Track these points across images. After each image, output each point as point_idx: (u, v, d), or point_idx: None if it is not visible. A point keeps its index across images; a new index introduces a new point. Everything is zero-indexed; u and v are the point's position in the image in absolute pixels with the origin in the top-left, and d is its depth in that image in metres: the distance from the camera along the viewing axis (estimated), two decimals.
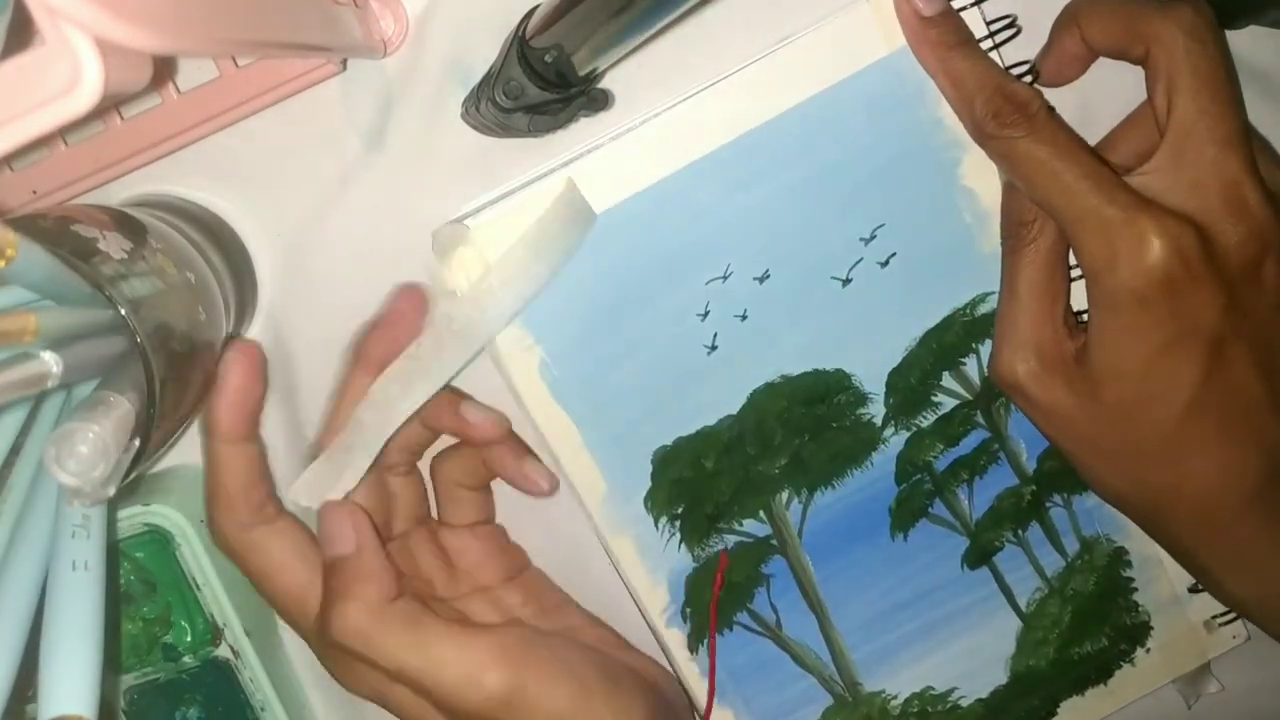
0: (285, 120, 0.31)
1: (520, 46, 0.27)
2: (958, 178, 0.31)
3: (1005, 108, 0.27)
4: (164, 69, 0.29)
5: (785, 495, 0.34)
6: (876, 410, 0.33)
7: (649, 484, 0.33)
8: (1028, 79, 0.30)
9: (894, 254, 0.32)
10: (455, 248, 0.30)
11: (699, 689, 0.34)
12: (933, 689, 0.35)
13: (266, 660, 0.33)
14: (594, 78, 0.28)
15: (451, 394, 0.31)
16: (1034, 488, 0.34)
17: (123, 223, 0.26)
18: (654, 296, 0.32)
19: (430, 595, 0.32)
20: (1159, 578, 0.35)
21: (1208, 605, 0.35)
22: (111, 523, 0.31)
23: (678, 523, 0.34)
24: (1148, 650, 0.35)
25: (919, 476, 0.34)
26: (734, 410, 0.33)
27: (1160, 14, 0.27)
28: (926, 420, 0.33)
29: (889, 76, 0.30)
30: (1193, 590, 0.35)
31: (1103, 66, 0.30)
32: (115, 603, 0.33)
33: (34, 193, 0.29)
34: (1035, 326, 0.29)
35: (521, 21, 0.27)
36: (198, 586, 0.32)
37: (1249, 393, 0.28)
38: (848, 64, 0.30)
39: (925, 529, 0.34)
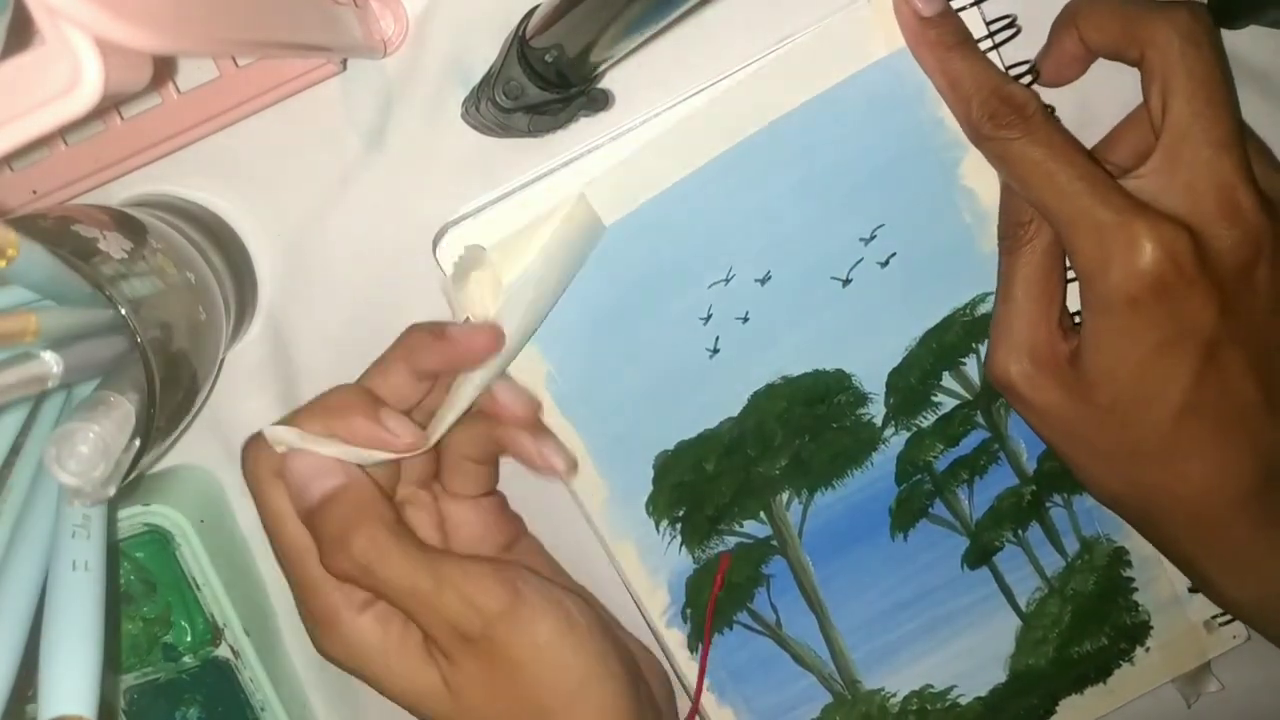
0: (285, 120, 0.31)
1: (520, 46, 0.27)
2: (958, 178, 0.31)
3: (1002, 109, 0.27)
4: (164, 69, 0.29)
5: (785, 496, 0.34)
6: (876, 410, 0.33)
7: (650, 488, 0.33)
8: (1028, 79, 0.30)
9: (894, 254, 0.32)
10: (471, 271, 0.30)
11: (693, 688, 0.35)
12: (932, 687, 0.35)
13: (266, 660, 0.33)
14: (594, 78, 0.28)
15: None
16: (1034, 488, 0.34)
17: (123, 223, 0.26)
18: (658, 303, 0.32)
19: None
20: (1159, 577, 0.35)
21: (1208, 605, 0.35)
22: (112, 523, 0.31)
23: (679, 525, 0.34)
24: (1147, 650, 0.35)
25: (919, 477, 0.34)
26: (734, 412, 0.33)
27: (1156, 16, 0.27)
28: (927, 420, 0.33)
29: (889, 77, 0.30)
30: (1193, 590, 0.35)
31: (1102, 67, 0.30)
32: (115, 603, 0.33)
33: (34, 193, 0.29)
34: (1030, 327, 0.29)
35: (521, 21, 0.27)
36: (198, 586, 0.32)
37: (1242, 396, 0.28)
38: (847, 64, 0.30)
39: (925, 529, 0.34)
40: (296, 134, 0.31)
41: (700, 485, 0.33)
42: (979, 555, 0.35)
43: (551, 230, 0.30)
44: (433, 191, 0.32)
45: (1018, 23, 0.30)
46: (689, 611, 0.34)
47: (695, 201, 0.31)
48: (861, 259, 0.32)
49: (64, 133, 0.29)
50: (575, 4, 0.24)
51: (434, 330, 0.28)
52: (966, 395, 0.33)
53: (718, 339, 0.32)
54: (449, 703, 0.27)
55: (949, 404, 0.33)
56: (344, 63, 0.30)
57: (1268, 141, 0.31)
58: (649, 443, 0.33)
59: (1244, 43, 0.31)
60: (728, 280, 0.32)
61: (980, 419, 0.34)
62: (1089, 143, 0.31)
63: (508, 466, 0.34)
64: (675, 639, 0.34)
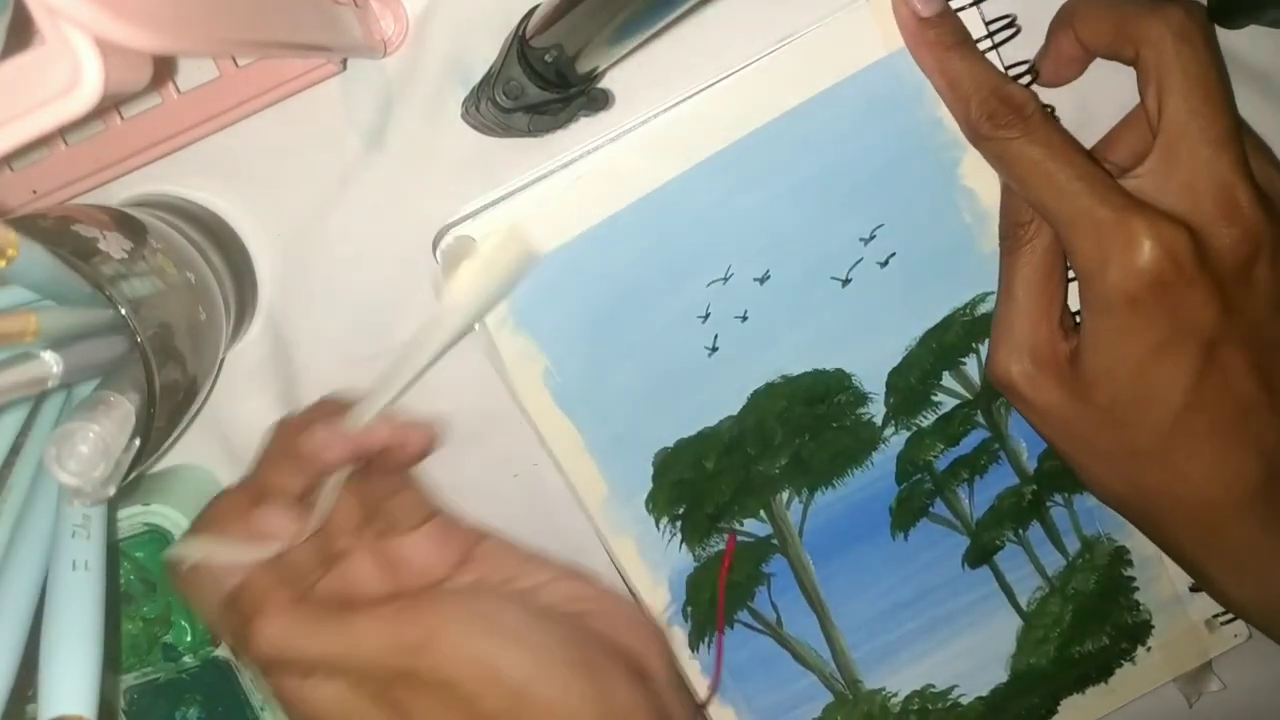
0: (285, 120, 0.31)
1: (520, 46, 0.27)
2: (957, 177, 0.31)
3: (1000, 109, 0.27)
4: (164, 69, 0.29)
5: (786, 495, 0.34)
6: (877, 410, 0.33)
7: (650, 485, 0.33)
8: (1027, 79, 0.30)
9: (894, 254, 0.32)
10: (460, 261, 0.30)
11: (701, 687, 0.34)
12: (933, 687, 0.35)
13: None
14: (594, 77, 0.28)
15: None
16: (1034, 487, 0.34)
17: (123, 223, 0.26)
18: (656, 300, 0.32)
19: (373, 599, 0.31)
20: (1160, 576, 0.35)
21: (1209, 604, 0.35)
22: (112, 522, 0.31)
23: (679, 523, 0.34)
24: (1149, 649, 0.35)
25: (919, 476, 0.34)
26: (734, 411, 0.33)
27: (1149, 15, 0.27)
28: (927, 420, 0.33)
29: (888, 77, 0.30)
30: (1194, 589, 0.35)
31: (1101, 67, 0.30)
32: (115, 602, 0.33)
33: (34, 192, 0.29)
34: (1031, 327, 0.29)
35: (521, 21, 0.27)
36: None
37: (1243, 395, 0.27)
38: (847, 65, 0.30)
39: (926, 528, 0.34)
40: (296, 134, 0.31)
41: (700, 483, 0.33)
42: (979, 554, 0.35)
43: (483, 261, 0.30)
44: (433, 191, 0.32)
45: (1017, 23, 0.30)
46: (689, 609, 0.34)
47: (694, 199, 0.31)
48: (861, 259, 0.32)
49: (64, 132, 0.29)
50: (575, 4, 0.24)
51: (292, 433, 0.28)
52: (967, 395, 0.33)
53: (716, 337, 0.32)
54: None
55: (949, 403, 0.33)
56: (344, 63, 0.30)
57: (1267, 141, 0.31)
58: (649, 440, 0.33)
59: (1243, 42, 0.31)
60: (726, 279, 0.32)
61: (980, 418, 0.34)
62: (1088, 142, 0.31)
63: (506, 470, 0.34)
64: (676, 637, 0.34)
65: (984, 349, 0.33)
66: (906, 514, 0.34)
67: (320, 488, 0.29)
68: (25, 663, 0.22)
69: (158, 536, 0.32)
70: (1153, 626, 0.35)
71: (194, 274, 0.27)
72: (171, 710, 0.34)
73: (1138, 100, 0.29)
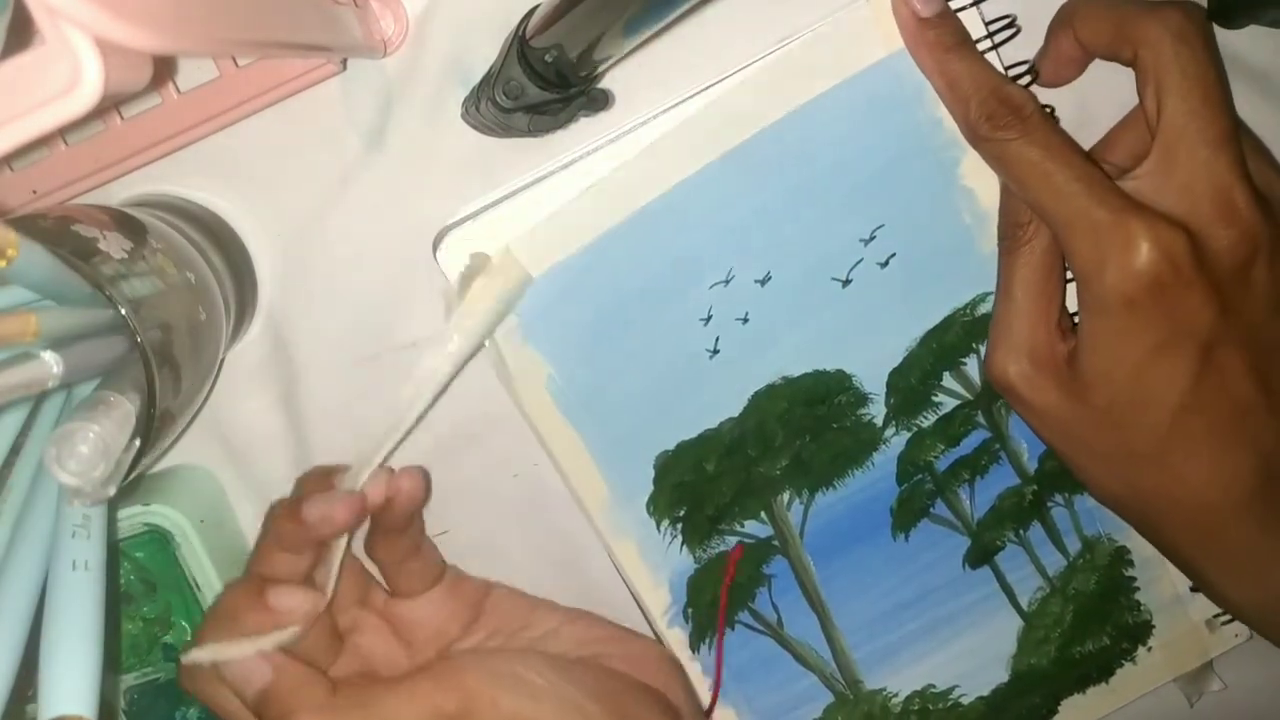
0: (285, 120, 0.31)
1: (520, 46, 0.27)
2: (957, 178, 0.31)
3: (999, 110, 0.27)
4: (164, 69, 0.29)
5: (786, 496, 0.34)
6: (877, 411, 0.33)
7: (651, 488, 0.33)
8: (1027, 80, 0.30)
9: (894, 254, 0.32)
10: (474, 279, 0.30)
11: (702, 687, 0.34)
12: (934, 687, 0.35)
13: None
14: (594, 78, 0.28)
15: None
16: (1035, 487, 0.34)
17: (123, 223, 0.26)
18: (659, 304, 0.32)
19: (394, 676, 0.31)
20: (1161, 577, 0.35)
21: (1210, 604, 0.35)
22: (112, 522, 0.31)
23: (679, 525, 0.34)
24: (1149, 649, 0.35)
25: (920, 477, 0.34)
26: (735, 413, 0.33)
27: (1148, 15, 0.27)
28: (927, 420, 0.33)
29: (888, 78, 0.30)
30: (1194, 589, 0.35)
31: (1101, 68, 0.30)
32: (115, 602, 0.33)
33: (34, 192, 0.29)
34: (1029, 328, 0.29)
35: (521, 21, 0.27)
36: (198, 586, 0.32)
37: (1241, 396, 0.27)
38: (847, 66, 0.30)
39: (926, 529, 0.34)
40: (296, 134, 0.31)
41: (701, 485, 0.33)
42: (980, 555, 0.35)
43: (486, 282, 0.30)
44: (433, 191, 0.32)
45: (1017, 23, 0.30)
46: (690, 611, 0.34)
47: (696, 204, 0.31)
48: (861, 259, 0.32)
49: (64, 132, 0.29)
50: (575, 4, 0.24)
51: (292, 514, 0.28)
52: (967, 395, 0.33)
53: (718, 339, 0.32)
54: None
55: (950, 404, 0.33)
56: (344, 63, 0.30)
57: (1267, 142, 0.31)
58: (649, 443, 0.33)
59: (1243, 43, 0.31)
60: (728, 281, 0.32)
61: (981, 419, 0.34)
62: (1087, 143, 0.31)
63: (506, 470, 0.34)
64: (677, 639, 0.34)
65: (984, 349, 0.33)
66: (907, 515, 0.34)
67: (326, 560, 0.29)
68: (25, 662, 0.22)
69: (158, 537, 0.32)
70: (1153, 626, 0.35)
71: (194, 274, 0.27)
72: (171, 710, 0.34)
73: (1137, 101, 0.29)
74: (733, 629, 0.34)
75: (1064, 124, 0.31)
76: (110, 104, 0.24)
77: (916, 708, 0.35)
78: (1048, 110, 0.31)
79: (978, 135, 0.28)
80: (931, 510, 0.34)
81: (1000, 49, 0.30)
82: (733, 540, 0.34)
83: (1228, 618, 0.35)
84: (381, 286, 0.32)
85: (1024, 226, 0.29)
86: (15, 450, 0.27)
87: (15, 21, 0.20)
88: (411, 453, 0.34)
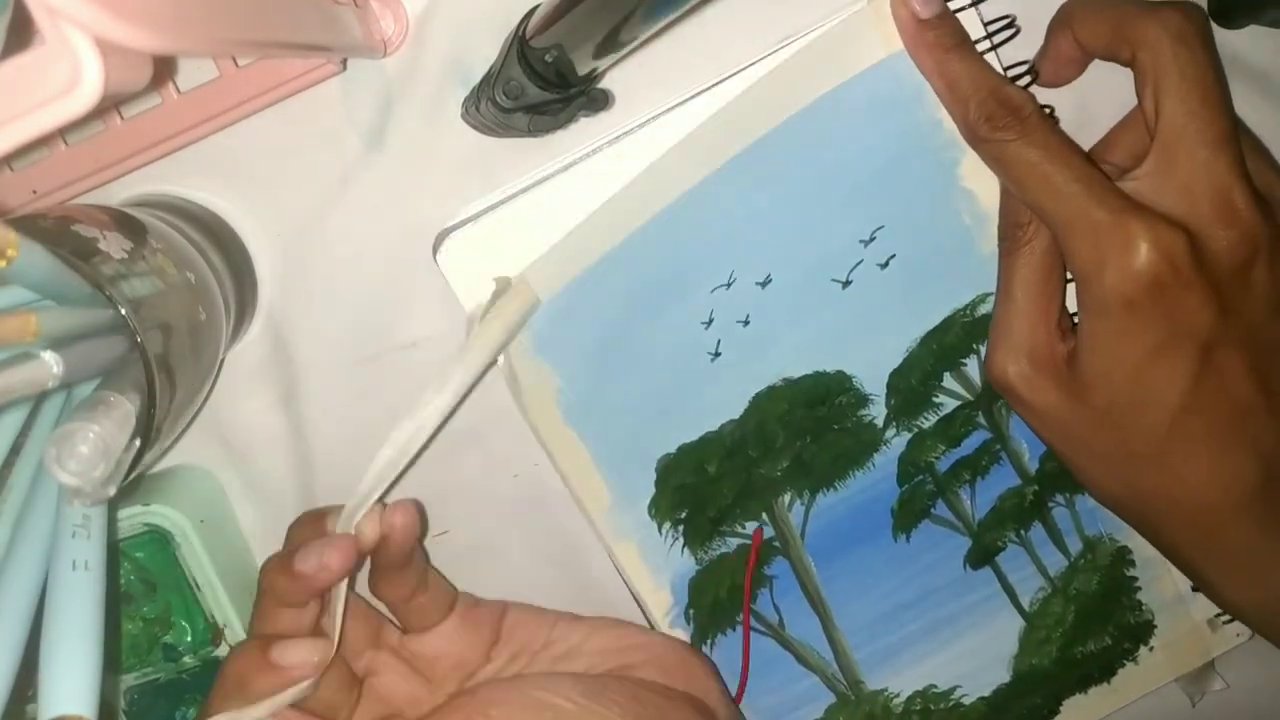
0: (285, 120, 0.31)
1: (520, 46, 0.27)
2: (957, 179, 0.31)
3: (998, 111, 0.27)
4: (164, 69, 0.29)
5: (787, 497, 0.34)
6: (878, 411, 0.33)
7: (653, 491, 0.33)
8: (1026, 80, 0.30)
9: (894, 255, 0.32)
10: (495, 303, 0.30)
11: None
12: (935, 687, 0.35)
13: None
14: (594, 78, 0.28)
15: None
16: (1036, 488, 0.34)
17: (123, 223, 0.26)
18: (663, 310, 0.32)
19: (419, 716, 0.30)
20: (1162, 576, 0.35)
21: (1212, 603, 0.35)
22: (112, 523, 0.31)
23: (681, 527, 0.34)
24: (1151, 649, 0.35)
25: (921, 477, 0.34)
26: (736, 414, 0.33)
27: (1146, 16, 0.27)
28: (928, 421, 0.33)
29: (888, 79, 0.30)
30: (1196, 589, 0.35)
31: (1101, 69, 0.30)
32: (115, 603, 0.33)
33: (34, 192, 0.29)
34: (1029, 328, 0.29)
35: (521, 21, 0.27)
36: (198, 586, 0.32)
37: (1241, 397, 0.27)
38: (847, 67, 0.30)
39: (928, 529, 0.34)
40: (296, 134, 0.31)
41: (702, 487, 0.33)
42: (981, 555, 0.35)
43: (498, 305, 0.30)
44: (433, 191, 0.32)
45: (1016, 23, 0.30)
46: (691, 612, 0.34)
47: (699, 211, 0.31)
48: (861, 260, 0.32)
49: (64, 132, 0.29)
50: (575, 4, 0.24)
51: (285, 568, 0.28)
52: (968, 396, 0.33)
53: (719, 342, 0.32)
54: None
55: (950, 405, 0.33)
56: (344, 63, 0.30)
57: (1267, 142, 0.31)
58: (651, 446, 0.33)
59: (1244, 43, 0.31)
60: (729, 284, 0.32)
61: (982, 419, 0.34)
62: (1088, 143, 0.31)
63: (506, 470, 0.34)
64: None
65: (984, 350, 0.33)
66: (908, 515, 0.34)
67: (329, 607, 0.29)
68: (25, 663, 0.22)
69: (158, 537, 0.32)
70: (1155, 626, 0.35)
71: (194, 274, 0.27)
72: (172, 710, 0.34)
73: (1134, 99, 0.29)
74: (734, 629, 0.34)
75: (1064, 124, 0.31)
76: (110, 104, 0.24)
77: (918, 708, 0.35)
78: (1047, 111, 0.31)
79: (977, 136, 0.28)
80: (932, 511, 0.34)
81: (1000, 49, 0.30)
82: (734, 542, 0.34)
83: (1229, 617, 0.35)
84: (381, 286, 0.32)
85: (1024, 227, 0.29)
86: (15, 450, 0.26)
87: (15, 21, 0.20)
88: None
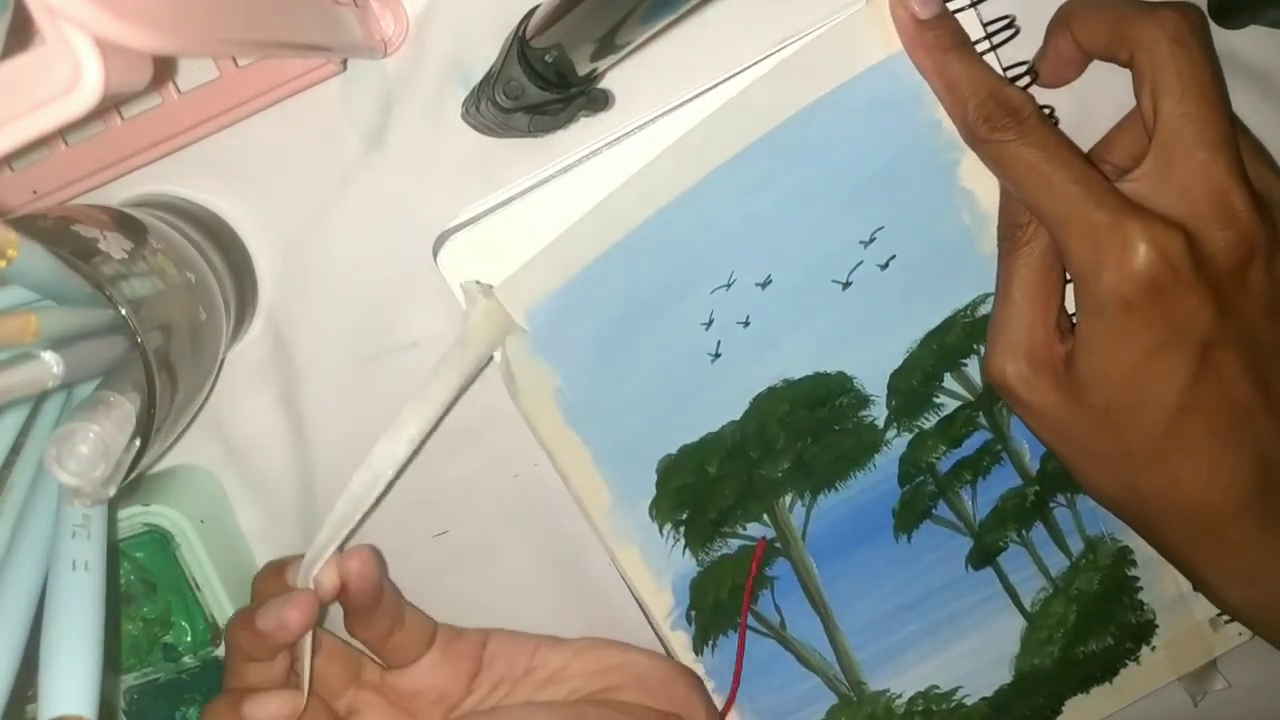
0: (285, 120, 0.31)
1: (520, 46, 0.27)
2: (956, 179, 0.31)
3: (997, 111, 0.27)
4: (164, 69, 0.29)
5: (789, 498, 0.34)
6: (879, 412, 0.33)
7: (654, 492, 0.33)
8: (1026, 80, 0.30)
9: (894, 256, 0.32)
10: (478, 303, 0.30)
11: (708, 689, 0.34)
12: (937, 688, 0.35)
13: None
14: (594, 78, 0.28)
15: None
16: (1037, 488, 0.34)
17: (123, 223, 0.26)
18: (662, 311, 0.32)
19: None
20: (1164, 576, 0.35)
21: None
22: (112, 523, 0.31)
23: (682, 528, 0.34)
24: (1153, 648, 0.35)
25: (922, 478, 0.34)
26: (736, 416, 0.33)
27: (1144, 17, 0.27)
28: (929, 422, 0.33)
29: (887, 79, 0.30)
30: (1197, 589, 0.35)
31: (1101, 69, 0.30)
32: (115, 603, 0.33)
33: (34, 193, 0.30)
34: (1027, 329, 0.29)
35: (522, 21, 0.27)
36: (198, 586, 0.32)
37: (1239, 397, 0.27)
38: (846, 68, 0.30)
39: (929, 530, 0.34)
40: (297, 134, 0.31)
41: (703, 488, 0.33)
42: (983, 556, 0.35)
43: (477, 315, 0.30)
44: (433, 192, 0.32)
45: (1016, 23, 0.30)
46: (693, 614, 0.34)
47: (699, 212, 0.31)
48: (861, 262, 0.32)
49: (64, 133, 0.29)
50: (575, 4, 0.24)
51: (248, 625, 0.28)
52: (968, 396, 0.33)
53: (719, 343, 0.32)
54: None
55: (951, 405, 0.33)
56: (344, 63, 0.30)
57: (1266, 142, 0.31)
58: (652, 447, 0.33)
59: (1244, 43, 0.31)
60: (729, 285, 0.32)
61: (983, 420, 0.34)
62: (1086, 144, 0.31)
63: (506, 470, 0.34)
64: (680, 641, 0.34)
65: (984, 350, 0.33)
66: (909, 516, 0.34)
67: (298, 657, 0.29)
68: (25, 663, 0.22)
69: (158, 537, 0.32)
70: (1157, 626, 0.35)
71: (194, 274, 0.27)
72: (171, 710, 0.34)
73: (1134, 99, 0.29)
74: (735, 631, 0.34)
75: (1064, 124, 0.31)
76: (110, 104, 0.24)
77: (920, 709, 0.35)
78: (1047, 111, 0.31)
79: (976, 137, 0.28)
80: (934, 511, 0.34)
81: (999, 49, 0.30)
82: (735, 543, 0.34)
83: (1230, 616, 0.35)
84: (381, 287, 0.32)
85: (1023, 228, 0.29)
86: (15, 450, 0.26)
87: (15, 22, 0.20)
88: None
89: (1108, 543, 0.35)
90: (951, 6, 0.29)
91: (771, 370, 0.33)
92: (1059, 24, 0.29)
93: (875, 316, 0.32)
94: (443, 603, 0.35)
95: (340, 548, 0.29)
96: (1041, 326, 0.29)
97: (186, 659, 0.33)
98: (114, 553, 0.32)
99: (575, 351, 0.32)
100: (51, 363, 0.22)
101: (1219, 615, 0.35)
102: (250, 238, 0.32)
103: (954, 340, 0.33)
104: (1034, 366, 0.29)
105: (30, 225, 0.24)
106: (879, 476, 0.34)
